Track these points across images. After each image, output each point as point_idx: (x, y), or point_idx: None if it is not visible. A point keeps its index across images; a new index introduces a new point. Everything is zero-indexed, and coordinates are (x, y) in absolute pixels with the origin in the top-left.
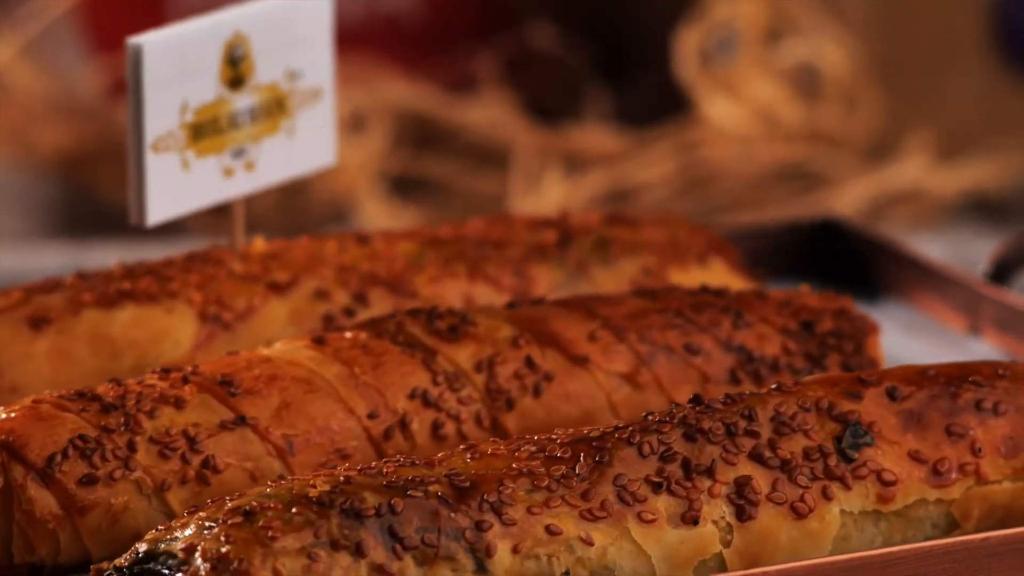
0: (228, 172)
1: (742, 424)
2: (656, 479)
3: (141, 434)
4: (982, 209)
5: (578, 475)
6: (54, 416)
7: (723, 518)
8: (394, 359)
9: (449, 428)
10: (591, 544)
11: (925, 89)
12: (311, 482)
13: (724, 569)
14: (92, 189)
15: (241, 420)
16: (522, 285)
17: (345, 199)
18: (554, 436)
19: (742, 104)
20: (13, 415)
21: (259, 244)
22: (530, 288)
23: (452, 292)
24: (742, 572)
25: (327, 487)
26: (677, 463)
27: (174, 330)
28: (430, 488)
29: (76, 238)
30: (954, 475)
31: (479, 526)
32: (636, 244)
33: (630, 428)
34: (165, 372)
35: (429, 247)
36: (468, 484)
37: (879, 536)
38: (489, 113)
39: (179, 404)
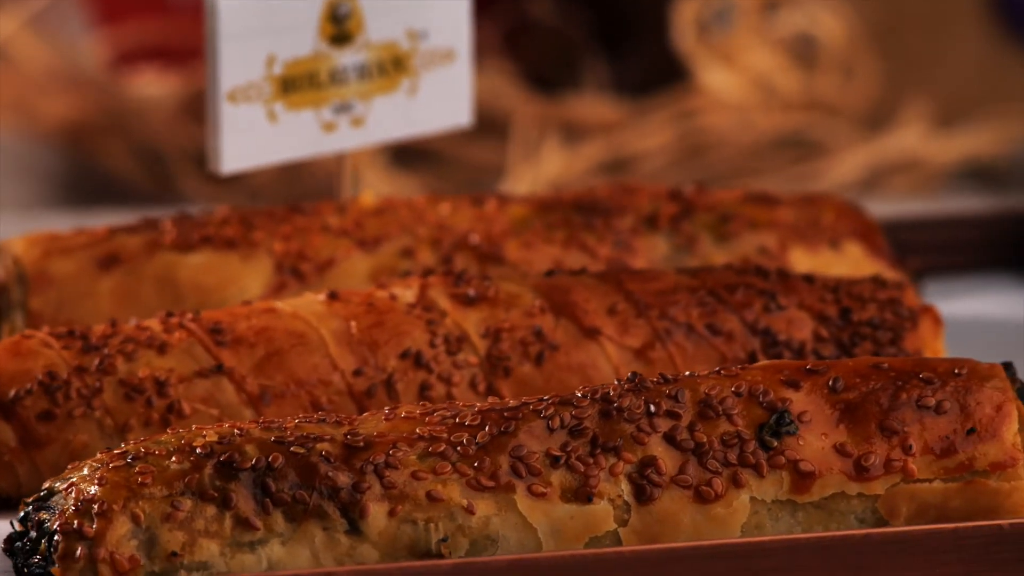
0: (329, 126)
1: (665, 405)
2: (556, 453)
3: (112, 375)
4: (980, 177)
5: (477, 443)
6: (33, 352)
7: (620, 496)
8: (395, 319)
9: (439, 390)
10: (473, 513)
11: (922, 57)
12: (203, 432)
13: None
14: (95, 159)
15: (218, 368)
16: (620, 256)
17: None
18: (477, 405)
19: (740, 73)
20: None
21: (367, 198)
22: (628, 259)
23: (542, 259)
24: (551, 552)
25: (215, 438)
26: (585, 439)
27: (244, 278)
28: (317, 446)
29: (79, 208)
30: (878, 471)
31: (357, 487)
32: (761, 222)
33: (548, 400)
34: (168, 316)
35: (539, 212)
36: (362, 445)
37: (798, 527)
38: (488, 83)
39: (162, 349)
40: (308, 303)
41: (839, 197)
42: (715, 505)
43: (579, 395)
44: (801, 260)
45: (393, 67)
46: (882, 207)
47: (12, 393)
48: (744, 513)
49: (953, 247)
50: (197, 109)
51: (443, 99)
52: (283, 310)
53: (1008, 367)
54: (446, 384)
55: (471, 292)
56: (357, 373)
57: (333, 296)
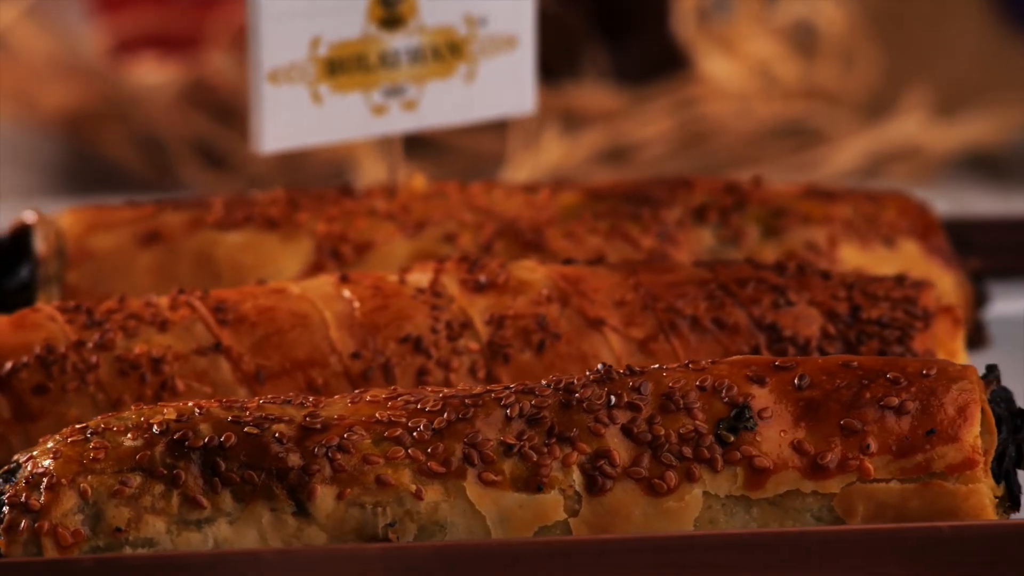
0: (379, 109)
1: (627, 397)
2: (510, 442)
3: (110, 351)
4: (980, 165)
5: (434, 429)
6: (36, 325)
7: (572, 487)
8: (400, 303)
9: (436, 376)
10: (421, 499)
11: (923, 45)
12: (164, 409)
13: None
14: (95, 148)
15: (216, 347)
16: (662, 247)
17: (345, 157)
18: (441, 391)
19: (740, 61)
20: None
21: (418, 182)
22: (670, 251)
23: (583, 249)
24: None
25: (174, 416)
26: (542, 428)
27: (282, 258)
28: (273, 427)
29: (79, 196)
30: (833, 469)
31: (306, 469)
32: (814, 218)
33: (510, 389)
34: (179, 293)
35: (589, 201)
36: (319, 427)
37: (753, 523)
38: None
39: (163, 326)
40: (319, 284)
41: (906, 195)
42: (667, 499)
43: (544, 384)
44: (851, 257)
45: (449, 52)
46: (949, 206)
47: (9, 366)
48: (697, 508)
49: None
50: (196, 97)
51: (504, 86)
52: (291, 291)
53: (992, 370)
54: (444, 370)
55: (482, 279)
56: (355, 356)
57: (344, 278)
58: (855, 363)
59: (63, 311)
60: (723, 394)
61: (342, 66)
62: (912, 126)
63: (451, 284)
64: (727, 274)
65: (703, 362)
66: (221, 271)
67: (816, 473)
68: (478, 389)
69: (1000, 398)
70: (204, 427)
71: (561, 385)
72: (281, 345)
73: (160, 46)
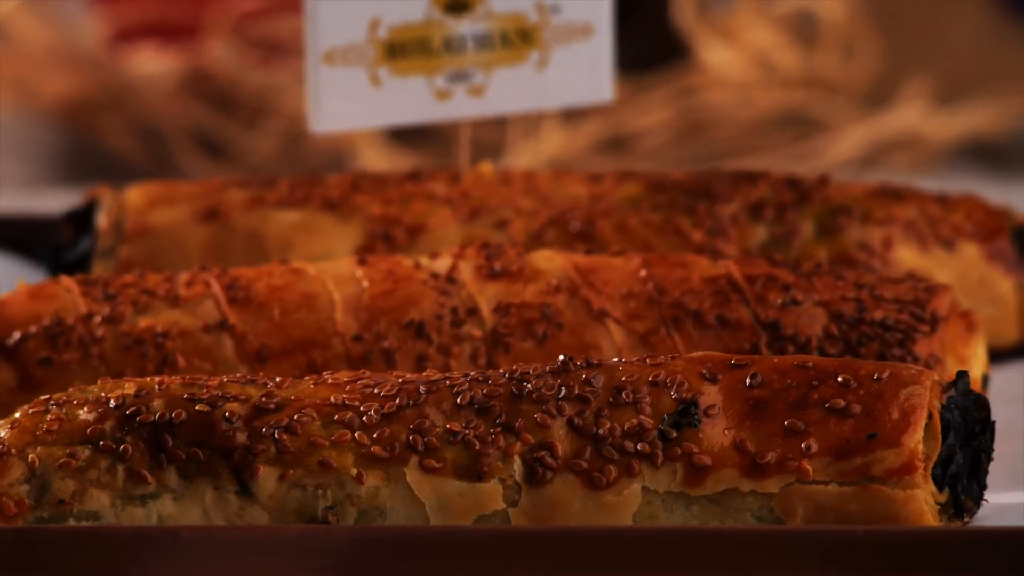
0: (443, 94)
1: (578, 389)
2: (455, 429)
3: (117, 324)
4: (980, 154)
5: (383, 415)
6: (51, 297)
7: (512, 477)
8: (410, 288)
9: (436, 362)
10: (362, 483)
11: (923, 34)
12: (126, 383)
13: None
14: (94, 137)
15: (221, 324)
16: (712, 242)
17: (345, 146)
18: (403, 376)
19: (740, 50)
20: (18, 290)
21: (486, 168)
22: (719, 246)
23: (632, 241)
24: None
25: (132, 390)
26: (490, 417)
27: (333, 238)
28: (226, 405)
29: (78, 185)
30: (772, 469)
31: (251, 449)
32: (874, 217)
33: (464, 378)
34: (202, 270)
35: (650, 191)
36: (272, 407)
37: (693, 520)
38: None
39: (175, 302)
40: (337, 266)
41: (980, 198)
42: (606, 492)
43: (500, 373)
44: (908, 258)
45: (520, 39)
46: None
47: (18, 335)
48: (635, 503)
49: None
50: (196, 86)
51: (579, 74)
52: (308, 271)
53: (960, 376)
54: (444, 356)
55: (496, 266)
56: (357, 339)
57: (362, 261)
58: (810, 363)
59: (81, 283)
60: (673, 390)
61: (403, 50)
62: (912, 115)
63: (466, 270)
64: (740, 270)
65: (661, 357)
66: (270, 249)
67: (755, 472)
68: (436, 375)
69: (958, 405)
70: (157, 403)
71: (516, 375)
72: (286, 325)
73: (159, 35)
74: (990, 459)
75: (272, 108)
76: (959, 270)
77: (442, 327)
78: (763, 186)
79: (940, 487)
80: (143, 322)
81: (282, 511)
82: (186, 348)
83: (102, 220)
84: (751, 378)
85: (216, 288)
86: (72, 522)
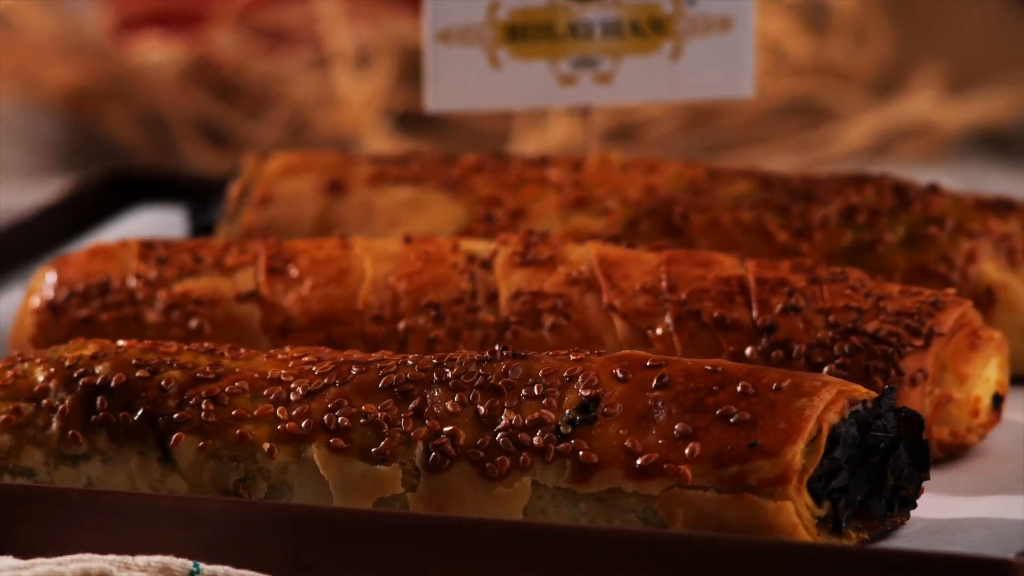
0: (567, 80)
1: (494, 380)
2: (368, 410)
3: (159, 288)
4: (991, 143)
5: (308, 392)
6: (109, 256)
7: (412, 462)
8: (439, 270)
9: (445, 345)
10: (272, 458)
11: (934, 22)
12: (88, 345)
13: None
14: (98, 126)
15: (253, 294)
16: (795, 244)
17: (349, 134)
18: (344, 356)
19: None
20: (84, 249)
21: (613, 156)
22: (803, 248)
23: (718, 238)
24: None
25: (89, 352)
26: (405, 401)
27: (438, 216)
28: (168, 373)
29: (82, 175)
30: (654, 471)
31: (179, 417)
32: (967, 230)
33: (394, 361)
34: (259, 240)
35: (756, 190)
36: (211, 377)
37: (582, 517)
38: None
39: (221, 270)
40: (383, 244)
41: None
42: (497, 484)
43: (431, 358)
44: (989, 272)
45: (652, 28)
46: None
47: (66, 293)
48: (525, 496)
49: None
50: (200, 75)
51: (716, 67)
52: (354, 248)
53: (887, 393)
54: (454, 340)
55: (529, 255)
56: (376, 319)
57: (407, 240)
58: (720, 368)
59: (142, 246)
60: (582, 387)
61: (524, 33)
62: (923, 103)
63: (502, 256)
64: (757, 271)
65: (586, 352)
66: (379, 224)
67: (637, 473)
68: (377, 356)
69: (861, 421)
70: (104, 366)
71: (444, 360)
72: (311, 300)
73: (163, 24)
74: (916, 479)
75: (276, 97)
76: (1015, 295)
77: (458, 311)
78: (869, 190)
79: (819, 501)
80: (183, 287)
81: (199, 480)
82: (215, 316)
83: (233, 188)
84: (658, 379)
85: (262, 258)
86: (7, 478)
